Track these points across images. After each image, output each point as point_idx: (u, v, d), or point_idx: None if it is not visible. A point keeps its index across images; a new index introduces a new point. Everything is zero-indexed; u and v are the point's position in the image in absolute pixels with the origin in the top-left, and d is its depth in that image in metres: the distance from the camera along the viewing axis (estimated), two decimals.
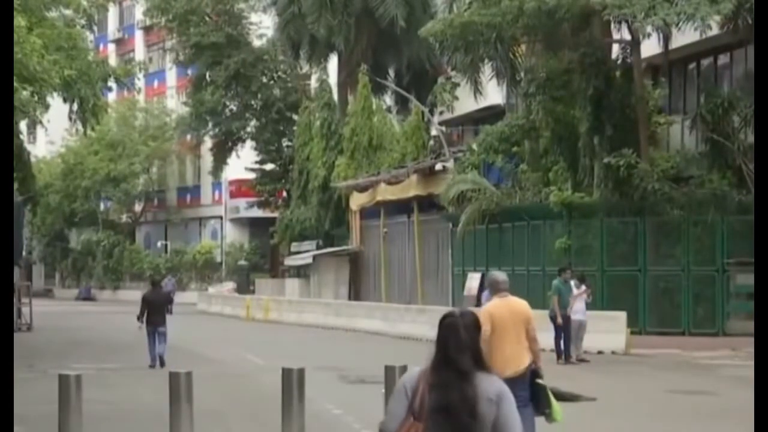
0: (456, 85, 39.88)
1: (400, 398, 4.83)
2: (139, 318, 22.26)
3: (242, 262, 59.13)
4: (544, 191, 30.04)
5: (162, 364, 21.56)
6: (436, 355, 4.82)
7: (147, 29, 66.86)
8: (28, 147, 43.81)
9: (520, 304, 10.62)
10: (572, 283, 22.94)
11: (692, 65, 31.36)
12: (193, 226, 65.72)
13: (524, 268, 30.15)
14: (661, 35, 27.65)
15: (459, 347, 4.77)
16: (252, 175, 54.45)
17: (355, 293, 42.99)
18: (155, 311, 22.33)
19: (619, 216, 28.17)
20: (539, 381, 10.26)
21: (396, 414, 4.82)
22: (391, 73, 48.23)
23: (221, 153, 55.45)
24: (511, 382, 9.30)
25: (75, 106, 28.07)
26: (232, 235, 62.24)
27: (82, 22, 30.68)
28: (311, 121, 47.01)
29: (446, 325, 4.85)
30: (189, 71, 56.89)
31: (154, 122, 64.78)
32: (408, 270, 39.39)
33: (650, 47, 28.24)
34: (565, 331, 22.30)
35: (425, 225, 38.05)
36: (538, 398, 10.22)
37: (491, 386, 4.78)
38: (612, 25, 28.35)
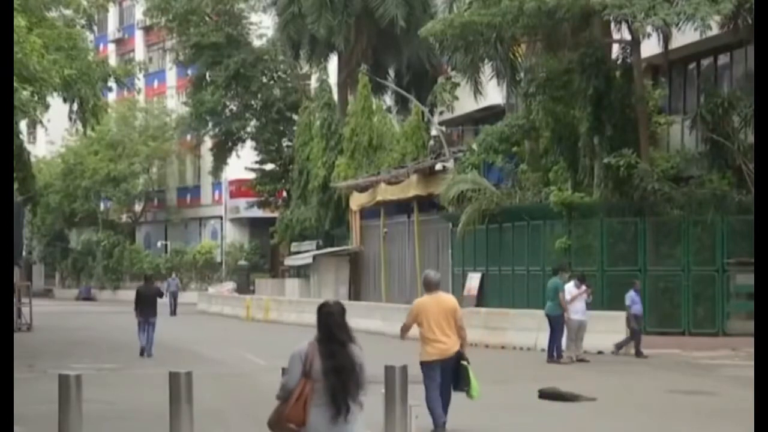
0: (456, 85, 39.86)
1: (297, 363, 6.82)
2: (137, 310, 24.60)
3: (242, 262, 59.12)
4: (544, 191, 30.03)
5: (149, 354, 24.10)
6: (322, 333, 6.86)
7: (147, 29, 66.86)
8: (28, 147, 43.80)
9: (448, 298, 12.90)
10: (572, 283, 22.95)
11: (692, 65, 31.35)
12: (193, 226, 65.72)
13: (524, 268, 30.15)
14: (661, 35, 27.62)
15: (338, 327, 6.86)
16: (252, 175, 54.44)
17: (355, 293, 42.98)
18: (147, 303, 24.51)
19: (619, 216, 28.15)
20: (463, 362, 12.42)
21: (295, 375, 6.81)
22: (391, 73, 48.20)
23: (221, 153, 55.43)
24: (442, 363, 12.42)
25: (75, 106, 28.07)
26: (232, 235, 62.23)
27: (82, 22, 30.67)
28: (311, 121, 47.00)
29: (326, 312, 6.94)
30: (189, 71, 56.86)
31: (154, 122, 64.75)
32: (408, 270, 39.37)
33: (650, 47, 28.23)
34: (559, 330, 22.39)
35: (425, 225, 38.04)
36: (459, 377, 12.45)
37: (359, 354, 6.90)
38: (612, 25, 28.31)
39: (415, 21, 41.03)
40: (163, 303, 30.06)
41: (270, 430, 7.03)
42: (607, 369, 21.32)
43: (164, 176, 67.49)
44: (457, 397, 16.18)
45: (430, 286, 12.78)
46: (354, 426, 6.94)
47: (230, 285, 55.38)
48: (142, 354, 24.23)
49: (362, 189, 41.52)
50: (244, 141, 54.61)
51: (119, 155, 62.97)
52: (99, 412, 13.45)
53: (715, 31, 25.89)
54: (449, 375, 12.53)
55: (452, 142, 40.05)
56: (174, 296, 45.55)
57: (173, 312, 44.19)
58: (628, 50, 28.30)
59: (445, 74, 42.11)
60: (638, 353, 23.13)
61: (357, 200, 42.46)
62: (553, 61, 29.26)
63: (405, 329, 12.95)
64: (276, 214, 52.91)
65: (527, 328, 25.41)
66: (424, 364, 12.51)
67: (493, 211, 30.45)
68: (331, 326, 6.87)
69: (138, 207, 67.96)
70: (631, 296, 23.69)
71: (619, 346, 23.48)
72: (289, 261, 48.76)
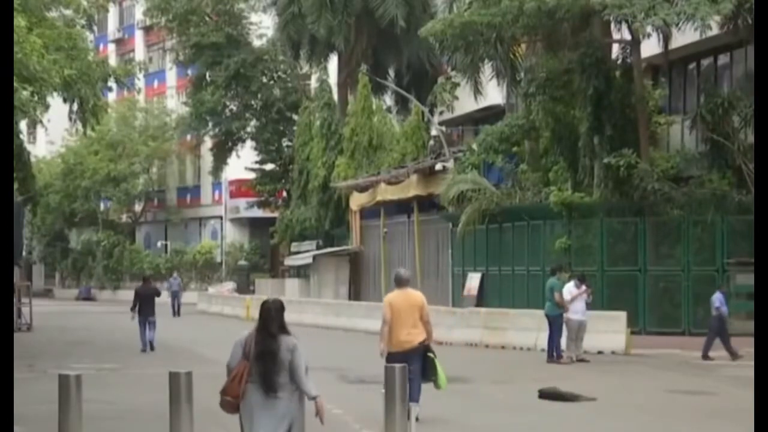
0: (456, 85, 39.85)
1: (239, 347, 8.29)
2: (132, 309, 25.78)
3: (242, 262, 59.08)
4: (544, 191, 30.03)
5: (152, 348, 25.28)
6: (259, 324, 8.28)
7: (147, 29, 66.84)
8: (28, 147, 43.76)
9: (416, 295, 13.73)
10: (572, 283, 22.98)
11: (692, 65, 31.34)
12: (193, 226, 65.70)
13: (524, 268, 30.15)
14: (661, 35, 27.63)
15: (271, 320, 8.26)
16: (252, 175, 54.42)
17: (355, 293, 42.97)
18: (146, 303, 25.60)
19: (619, 216, 28.15)
20: (430, 354, 13.26)
21: (236, 357, 8.28)
22: (391, 73, 48.19)
23: (221, 153, 55.41)
24: (407, 354, 13.12)
25: (75, 106, 28.06)
26: (232, 235, 62.22)
27: (82, 22, 30.64)
28: (311, 121, 46.99)
29: (265, 308, 8.38)
30: (189, 71, 56.84)
31: (154, 122, 64.73)
32: (408, 270, 39.33)
33: (650, 47, 28.23)
34: (557, 330, 22.41)
35: (425, 225, 38.03)
36: (426, 368, 13.22)
37: (288, 342, 8.24)
38: (612, 25, 28.30)
39: (415, 21, 41.01)
40: (162, 303, 30.13)
41: (220, 408, 8.51)
42: (607, 369, 21.32)
43: (164, 176, 67.46)
44: (458, 398, 16.22)
45: (400, 283, 13.73)
46: (284, 400, 8.22)
47: (230, 285, 55.33)
48: (144, 350, 25.27)
49: (362, 189, 41.51)
50: (244, 141, 54.59)
51: (119, 155, 62.95)
52: (99, 412, 13.46)
53: (715, 31, 25.89)
54: (416, 366, 13.17)
55: (452, 142, 40.04)
56: (176, 296, 44.46)
57: (176, 313, 43.37)
58: (628, 50, 28.30)
59: (445, 74, 42.09)
60: (733, 354, 22.67)
61: (357, 200, 42.46)
62: (553, 61, 29.25)
63: (387, 329, 13.38)
64: (276, 214, 52.89)
65: (527, 328, 25.41)
66: (389, 354, 13.25)
67: (493, 211, 30.44)
68: (266, 319, 8.30)
69: (138, 207, 67.94)
70: (719, 297, 23.50)
71: (705, 355, 23.15)
72: (289, 261, 48.74)
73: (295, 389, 8.24)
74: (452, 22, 27.90)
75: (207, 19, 53.65)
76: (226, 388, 8.35)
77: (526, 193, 31.15)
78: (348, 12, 44.11)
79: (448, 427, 13.63)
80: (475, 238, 32.27)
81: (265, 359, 8.16)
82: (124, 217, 68.68)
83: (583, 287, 22.80)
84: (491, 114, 38.41)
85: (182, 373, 9.68)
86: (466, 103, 39.48)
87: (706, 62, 30.97)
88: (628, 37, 27.85)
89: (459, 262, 34.03)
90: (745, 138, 26.41)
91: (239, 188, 59.24)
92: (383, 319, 13.58)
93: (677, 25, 25.00)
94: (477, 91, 33.99)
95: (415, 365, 13.02)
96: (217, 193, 63.52)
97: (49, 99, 27.49)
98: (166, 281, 48.26)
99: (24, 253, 51.86)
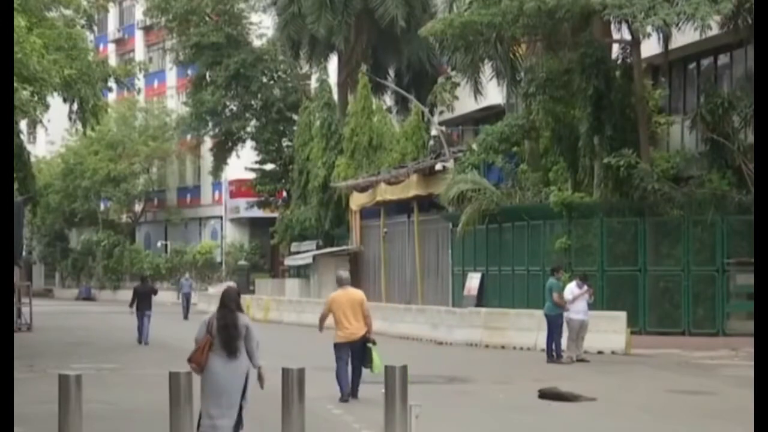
0: (456, 85, 39.84)
1: (203, 326, 10.41)
2: (131, 305, 28.18)
3: (242, 262, 59.09)
4: (544, 191, 30.02)
5: (146, 342, 27.52)
6: (220, 304, 10.44)
7: (147, 29, 66.87)
8: (28, 147, 43.74)
9: (356, 292, 16.16)
10: (573, 283, 23.02)
11: (692, 65, 31.34)
12: (193, 226, 65.71)
13: (524, 268, 30.14)
14: (661, 35, 27.61)
15: (229, 300, 10.45)
16: (252, 175, 54.41)
17: None
18: (143, 300, 27.94)
19: (619, 216, 28.14)
20: (369, 344, 15.47)
21: (201, 333, 10.37)
22: (391, 73, 48.18)
23: (221, 153, 55.41)
24: (352, 344, 15.67)
25: (75, 106, 28.11)
26: (232, 235, 62.23)
27: (82, 22, 30.67)
28: (311, 121, 46.96)
29: (225, 292, 10.58)
30: (189, 71, 56.84)
31: (154, 122, 64.75)
32: (408, 270, 39.37)
33: (650, 47, 28.22)
34: (556, 330, 22.43)
35: (425, 225, 38.02)
36: (364, 355, 15.46)
37: (243, 319, 10.42)
38: (612, 25, 28.30)
39: (415, 21, 41.02)
40: (160, 302, 30.28)
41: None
42: (607, 369, 21.32)
43: (164, 176, 67.47)
44: (458, 398, 16.22)
45: (341, 282, 16.12)
46: (242, 360, 10.30)
47: (231, 285, 55.16)
48: (140, 342, 27.68)
49: (362, 189, 41.50)
50: (244, 141, 54.58)
51: (119, 155, 62.97)
52: (99, 412, 13.46)
53: (715, 31, 25.88)
54: (358, 355, 15.61)
55: (452, 142, 40.00)
56: (187, 298, 43.48)
57: (186, 316, 42.00)
58: (628, 50, 28.28)
59: (445, 74, 42.07)
60: None
61: (357, 200, 42.45)
62: (553, 61, 29.23)
63: (322, 319, 16.26)
64: (276, 214, 52.89)
65: (527, 328, 25.43)
66: (335, 345, 15.84)
67: (493, 211, 30.42)
68: (225, 299, 10.46)
69: (138, 207, 67.95)
70: None
71: None
72: (289, 261, 48.72)
73: (247, 356, 10.32)
74: (452, 22, 27.89)
75: (207, 19, 53.62)
76: (192, 357, 10.30)
77: (526, 193, 31.14)
78: (348, 12, 44.11)
79: (448, 427, 13.63)
80: (475, 238, 32.27)
81: (228, 329, 10.26)
82: (124, 217, 68.69)
83: (585, 287, 22.82)
84: (491, 114, 38.39)
85: (182, 373, 9.71)
86: (466, 103, 39.46)
87: (706, 62, 30.96)
88: (628, 37, 27.84)
89: (459, 262, 34.02)
90: (745, 138, 26.40)
91: (239, 188, 59.25)
92: (321, 312, 16.24)
93: (677, 25, 25.00)
94: (477, 91, 33.95)
95: (357, 353, 15.58)
96: (217, 193, 63.53)
97: (49, 99, 27.52)
98: (173, 281, 47.79)
99: (24, 253, 51.85)
